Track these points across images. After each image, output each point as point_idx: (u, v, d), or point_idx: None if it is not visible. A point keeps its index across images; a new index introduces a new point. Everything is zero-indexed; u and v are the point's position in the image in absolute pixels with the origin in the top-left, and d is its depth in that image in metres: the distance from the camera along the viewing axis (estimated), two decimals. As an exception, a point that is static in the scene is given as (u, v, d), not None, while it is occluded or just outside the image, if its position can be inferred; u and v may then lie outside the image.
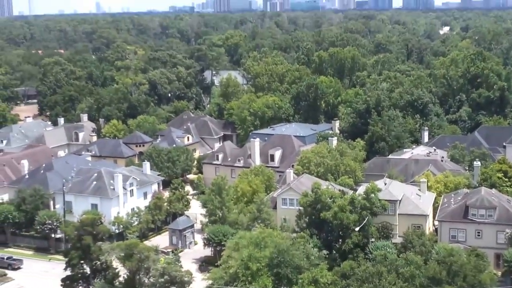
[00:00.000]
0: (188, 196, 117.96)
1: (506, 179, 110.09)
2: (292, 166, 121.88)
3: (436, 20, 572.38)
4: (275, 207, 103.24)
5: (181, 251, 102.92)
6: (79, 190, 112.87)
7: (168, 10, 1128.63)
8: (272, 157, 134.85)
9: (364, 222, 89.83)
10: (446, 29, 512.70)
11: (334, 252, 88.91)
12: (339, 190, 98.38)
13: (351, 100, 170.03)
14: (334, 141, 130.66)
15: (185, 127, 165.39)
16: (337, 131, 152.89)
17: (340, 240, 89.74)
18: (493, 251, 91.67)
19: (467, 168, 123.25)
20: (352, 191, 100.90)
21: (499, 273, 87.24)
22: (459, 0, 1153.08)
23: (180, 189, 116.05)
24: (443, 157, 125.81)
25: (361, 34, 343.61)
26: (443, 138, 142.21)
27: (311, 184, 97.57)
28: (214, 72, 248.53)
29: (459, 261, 76.96)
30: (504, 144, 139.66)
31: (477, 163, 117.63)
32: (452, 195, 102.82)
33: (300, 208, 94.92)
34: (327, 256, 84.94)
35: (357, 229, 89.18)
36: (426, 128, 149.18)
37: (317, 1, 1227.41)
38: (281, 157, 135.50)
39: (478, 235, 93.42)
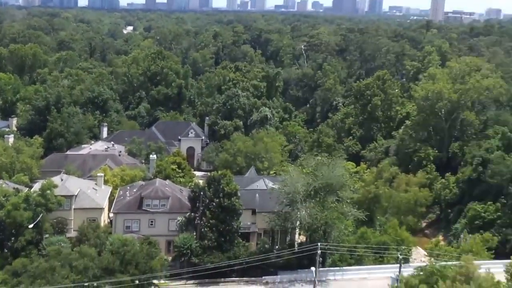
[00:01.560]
0: None
1: (180, 170, 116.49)
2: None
3: (120, 20, 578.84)
4: None
5: None
6: None
7: None
8: None
9: (38, 218, 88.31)
10: (130, 28, 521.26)
11: (6, 251, 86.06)
12: (14, 188, 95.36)
13: (31, 97, 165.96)
14: (11, 139, 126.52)
15: None
16: (15, 129, 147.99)
17: (13, 239, 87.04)
18: (165, 238, 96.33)
19: (143, 161, 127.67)
20: (28, 189, 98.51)
21: (170, 258, 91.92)
22: (143, 1, 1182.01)
23: None
24: (121, 151, 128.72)
25: (44, 31, 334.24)
26: (122, 133, 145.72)
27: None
28: None
29: (132, 250, 79.91)
30: (179, 137, 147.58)
31: (153, 156, 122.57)
32: (128, 187, 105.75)
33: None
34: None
35: (30, 226, 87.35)
36: (106, 124, 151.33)
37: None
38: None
39: (152, 224, 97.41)
